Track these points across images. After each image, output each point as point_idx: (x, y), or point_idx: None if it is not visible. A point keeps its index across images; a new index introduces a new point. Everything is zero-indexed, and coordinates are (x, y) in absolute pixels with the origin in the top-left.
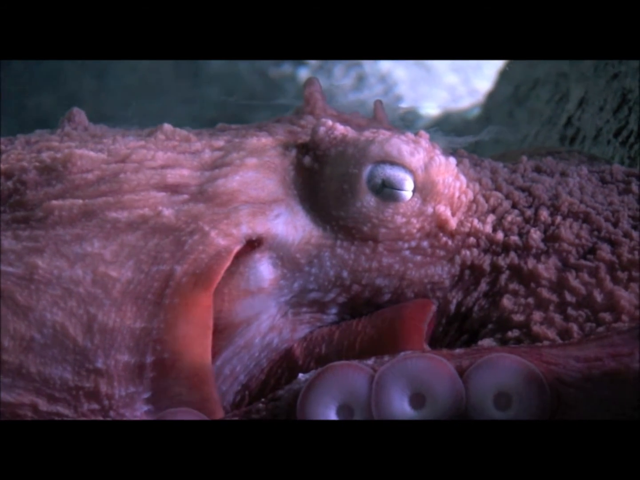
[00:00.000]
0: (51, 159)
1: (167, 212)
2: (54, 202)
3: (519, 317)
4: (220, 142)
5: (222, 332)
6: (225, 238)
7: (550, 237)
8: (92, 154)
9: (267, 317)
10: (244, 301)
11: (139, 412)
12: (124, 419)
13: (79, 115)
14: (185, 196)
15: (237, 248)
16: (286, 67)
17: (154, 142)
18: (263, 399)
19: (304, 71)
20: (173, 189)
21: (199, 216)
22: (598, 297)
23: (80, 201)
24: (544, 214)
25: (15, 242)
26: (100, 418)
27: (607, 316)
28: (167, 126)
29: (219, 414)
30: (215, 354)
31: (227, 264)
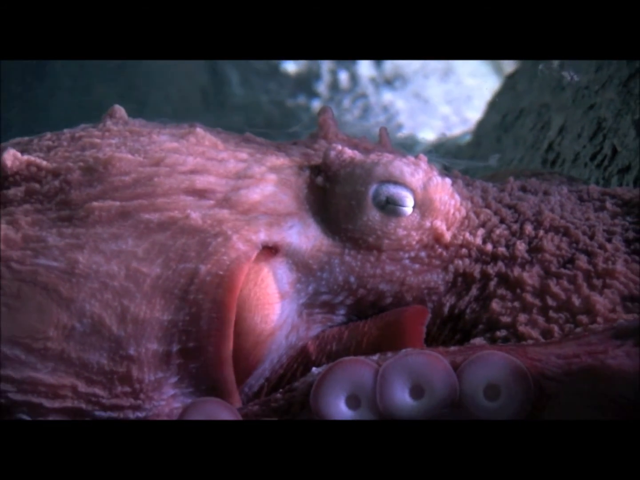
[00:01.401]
0: (94, 159)
1: (195, 215)
2: (95, 204)
3: (506, 319)
4: (244, 155)
5: (267, 340)
6: (245, 243)
7: (534, 249)
8: (129, 157)
9: (291, 320)
10: (280, 304)
11: (167, 395)
12: (153, 401)
13: (120, 111)
14: (212, 202)
15: (255, 253)
16: (301, 98)
17: (186, 145)
18: (281, 390)
19: (317, 102)
20: (201, 194)
21: (223, 221)
22: (576, 301)
23: (118, 203)
24: (529, 228)
25: (59, 239)
26: (132, 400)
27: (584, 318)
28: (199, 130)
29: (236, 398)
30: (259, 362)
31: (247, 267)
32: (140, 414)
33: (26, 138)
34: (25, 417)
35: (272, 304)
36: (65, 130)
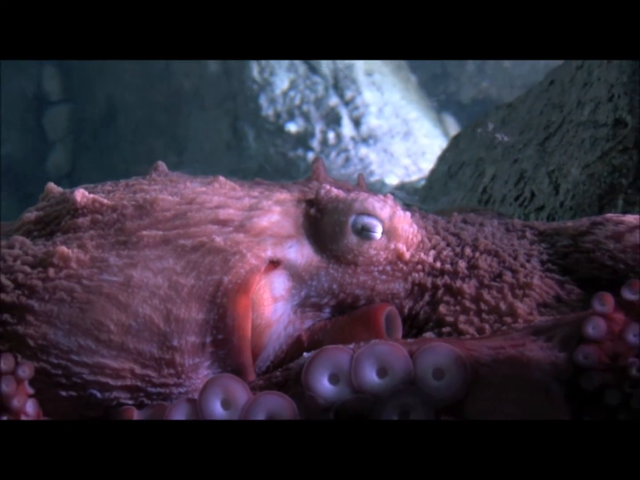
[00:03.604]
0: (143, 200)
1: (218, 239)
2: (144, 232)
3: (450, 319)
4: (255, 193)
5: (264, 332)
6: (256, 259)
7: (472, 266)
8: (169, 197)
9: (286, 316)
10: (274, 306)
11: (202, 375)
12: (192, 380)
13: (162, 166)
14: (231, 228)
15: (264, 266)
16: (299, 151)
17: (212, 189)
18: (279, 369)
19: (311, 154)
20: (223, 223)
21: (240, 242)
22: (503, 306)
23: (161, 232)
24: (468, 250)
25: (118, 259)
26: (175, 379)
27: (508, 319)
28: (221, 178)
29: (252, 375)
30: (261, 349)
31: (259, 277)
32: (182, 390)
33: (92, 185)
34: (96, 393)
35: (267, 305)
36: (121, 180)
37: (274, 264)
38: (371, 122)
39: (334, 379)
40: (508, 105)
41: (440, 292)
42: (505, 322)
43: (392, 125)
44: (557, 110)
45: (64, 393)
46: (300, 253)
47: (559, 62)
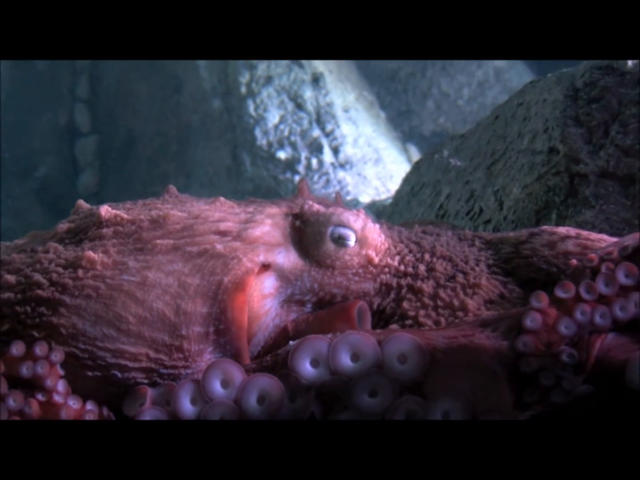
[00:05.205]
0: (157, 215)
1: (219, 246)
2: (158, 241)
3: (411, 313)
4: (250, 209)
5: (255, 322)
6: (251, 262)
7: (430, 269)
8: (178, 213)
9: (274, 310)
10: (263, 301)
11: (206, 359)
12: (197, 363)
13: (173, 189)
14: (230, 238)
15: (257, 269)
16: (288, 174)
17: (214, 206)
18: (269, 355)
19: (297, 176)
20: (223, 233)
21: (237, 249)
22: (456, 302)
23: (172, 241)
24: (427, 256)
25: (135, 263)
26: (183, 362)
27: (460, 314)
28: (222, 198)
29: (247, 359)
30: (252, 336)
31: (253, 277)
32: (189, 371)
33: (114, 203)
34: (117, 373)
35: (258, 301)
36: (139, 200)
37: (265, 267)
38: (347, 150)
39: (315, 363)
40: (461, 136)
41: (403, 290)
42: (458, 316)
43: (365, 153)
44: (501, 140)
45: (90, 373)
46: (287, 258)
47: (504, 99)
